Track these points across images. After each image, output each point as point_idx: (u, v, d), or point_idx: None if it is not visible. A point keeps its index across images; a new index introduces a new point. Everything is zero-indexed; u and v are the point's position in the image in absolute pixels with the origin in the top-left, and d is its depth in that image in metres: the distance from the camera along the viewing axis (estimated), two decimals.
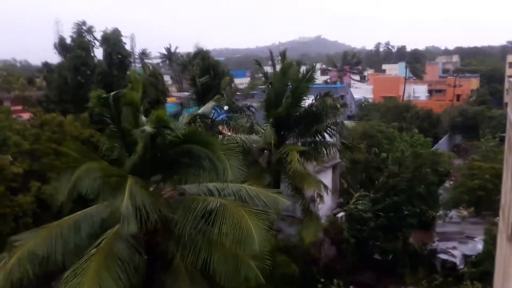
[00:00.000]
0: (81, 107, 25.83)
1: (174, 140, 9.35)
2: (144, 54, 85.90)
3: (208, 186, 10.18)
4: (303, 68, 18.97)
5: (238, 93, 26.63)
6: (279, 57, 20.18)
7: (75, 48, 27.94)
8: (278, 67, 19.21)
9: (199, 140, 9.36)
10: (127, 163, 9.31)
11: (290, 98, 17.62)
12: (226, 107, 23.06)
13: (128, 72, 26.06)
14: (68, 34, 31.10)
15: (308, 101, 18.63)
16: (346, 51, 78.32)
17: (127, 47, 29.00)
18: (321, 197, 18.42)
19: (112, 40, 26.95)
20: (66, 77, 27.87)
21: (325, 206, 21.98)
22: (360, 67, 79.63)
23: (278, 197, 10.36)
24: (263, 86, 24.34)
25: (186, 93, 28.73)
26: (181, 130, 9.57)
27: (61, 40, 30.23)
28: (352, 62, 76.86)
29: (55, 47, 30.50)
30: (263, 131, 18.40)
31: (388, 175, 23.54)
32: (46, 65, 32.59)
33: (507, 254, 11.41)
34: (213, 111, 23.23)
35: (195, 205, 9.28)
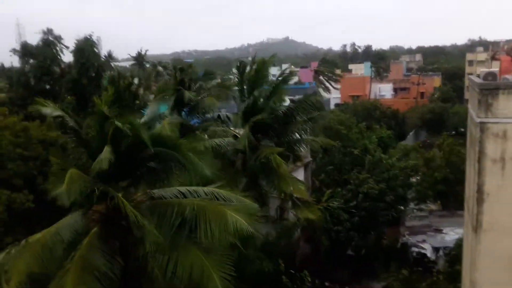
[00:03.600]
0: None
1: (140, 144, 9.24)
2: (110, 57, 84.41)
3: (180, 190, 10.10)
4: (276, 69, 19.50)
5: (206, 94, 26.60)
6: (249, 58, 20.39)
7: (38, 57, 27.33)
8: (248, 68, 19.48)
9: (166, 143, 9.32)
10: (93, 169, 9.03)
11: (269, 102, 17.98)
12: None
13: (102, 80, 25.83)
14: (28, 37, 30.28)
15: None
16: (317, 51, 79.37)
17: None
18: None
19: (86, 51, 26.55)
20: (28, 82, 27.18)
21: None
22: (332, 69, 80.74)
23: (248, 201, 10.36)
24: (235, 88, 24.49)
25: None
26: (147, 134, 9.46)
27: (24, 45, 29.39)
28: (323, 62, 78.05)
29: (15, 51, 29.64)
30: (237, 134, 18.54)
31: (358, 181, 23.99)
32: (2, 68, 31.56)
33: (473, 244, 11.98)
34: (188, 117, 23.30)
35: (170, 210, 9.13)
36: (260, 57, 19.90)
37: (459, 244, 21.50)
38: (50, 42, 28.30)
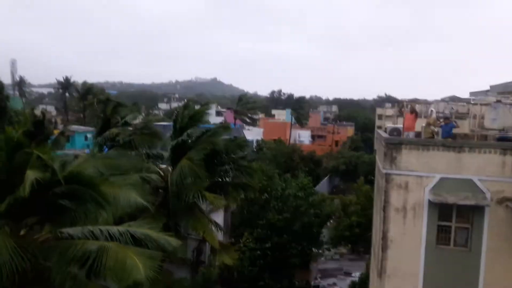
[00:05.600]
0: None
1: (53, 181, 8.73)
2: (22, 82, 78.87)
3: (91, 229, 9.57)
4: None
5: (130, 128, 25.33)
6: (176, 95, 20.49)
7: None
8: (174, 105, 19.60)
9: (83, 181, 8.91)
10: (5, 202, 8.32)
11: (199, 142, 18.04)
12: None
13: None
14: None
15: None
16: (242, 94, 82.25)
17: (7, 71, 26.89)
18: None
19: None
20: None
21: None
22: (252, 112, 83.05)
23: (169, 238, 10.18)
24: (159, 123, 23.97)
25: (75, 126, 26.92)
26: (64, 171, 8.99)
27: None
28: (248, 105, 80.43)
29: None
30: (159, 171, 18.23)
31: (268, 215, 24.64)
32: None
33: None
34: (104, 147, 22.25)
35: (72, 249, 8.65)
36: (186, 94, 20.07)
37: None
38: None
